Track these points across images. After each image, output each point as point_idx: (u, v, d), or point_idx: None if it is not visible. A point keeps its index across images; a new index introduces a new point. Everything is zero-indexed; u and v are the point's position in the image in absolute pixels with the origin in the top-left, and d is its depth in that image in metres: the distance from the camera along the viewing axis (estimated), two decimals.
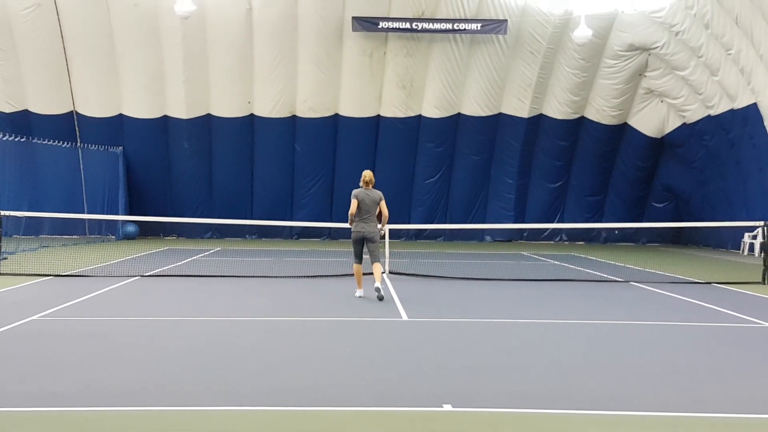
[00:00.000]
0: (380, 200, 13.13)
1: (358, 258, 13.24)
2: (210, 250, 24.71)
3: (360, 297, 13.06)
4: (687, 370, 8.16)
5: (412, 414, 6.40)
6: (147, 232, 30.06)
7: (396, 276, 16.71)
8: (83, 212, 27.65)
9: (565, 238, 31.67)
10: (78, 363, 7.99)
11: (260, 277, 16.40)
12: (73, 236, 27.76)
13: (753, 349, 9.42)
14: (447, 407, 6.52)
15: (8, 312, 11.01)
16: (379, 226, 13.23)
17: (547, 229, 31.04)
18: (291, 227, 30.53)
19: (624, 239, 31.45)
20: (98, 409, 6.37)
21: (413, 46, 28.84)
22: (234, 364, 8.07)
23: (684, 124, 28.97)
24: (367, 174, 13.21)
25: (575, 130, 30.40)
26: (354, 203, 12.96)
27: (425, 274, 17.18)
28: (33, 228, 25.85)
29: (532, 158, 30.87)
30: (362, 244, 13.09)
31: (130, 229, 29.07)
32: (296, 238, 30.83)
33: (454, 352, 8.89)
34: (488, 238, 31.35)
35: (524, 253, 25.33)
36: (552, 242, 31.22)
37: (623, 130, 30.37)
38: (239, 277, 16.34)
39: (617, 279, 17.10)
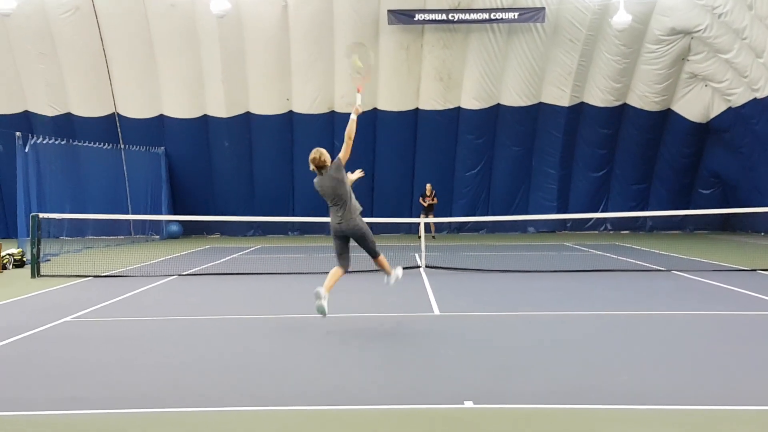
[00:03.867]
0: (336, 172, 9.56)
1: (337, 258, 9.96)
2: (250, 248, 24.79)
3: (321, 308, 9.39)
4: (724, 362, 7.88)
5: (431, 412, 6.26)
6: (191, 231, 30.37)
7: (432, 270, 16.54)
8: (127, 213, 27.95)
9: (609, 227, 31.17)
10: (102, 365, 7.99)
11: (296, 273, 16.39)
12: (119, 237, 28.03)
13: None
14: (468, 404, 6.37)
15: (43, 314, 11.12)
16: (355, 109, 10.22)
17: (591, 219, 30.60)
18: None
19: (671, 227, 30.84)
20: (118, 411, 6.33)
21: (450, 38, 28.60)
22: (258, 363, 8.02)
23: (729, 108, 28.28)
24: (311, 155, 9.68)
25: (618, 118, 29.86)
26: None
27: (461, 267, 17.01)
28: (77, 230, 26.12)
29: (574, 147, 30.42)
30: (342, 241, 9.92)
31: (174, 228, 29.37)
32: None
33: (482, 347, 8.72)
34: (531, 229, 31.00)
35: (567, 243, 24.96)
36: (596, 232, 30.76)
37: (667, 116, 29.76)
38: (274, 274, 16.37)
39: (659, 268, 16.72)
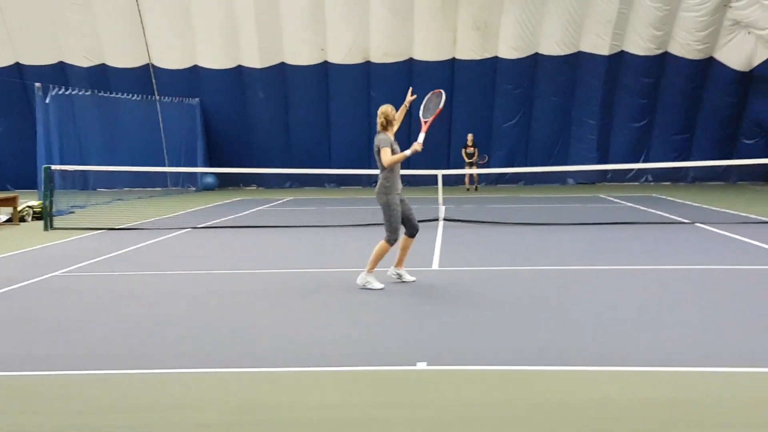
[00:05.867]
0: (380, 141, 9.36)
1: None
2: (282, 200, 24.71)
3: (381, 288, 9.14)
4: (721, 320, 7.49)
5: (382, 373, 6.05)
6: (227, 182, 30.32)
7: (450, 223, 16.24)
8: (164, 164, 27.95)
9: (650, 178, 30.39)
10: (67, 323, 7.92)
11: (315, 227, 16.06)
12: (155, 189, 27.95)
13: None
14: (421, 365, 6.13)
15: (37, 268, 10.94)
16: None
17: (631, 170, 29.86)
18: (369, 175, 30.15)
19: (713, 178, 29.89)
20: (71, 373, 6.20)
21: None
22: (232, 321, 7.89)
23: None
24: (381, 110, 9.44)
25: (659, 67, 28.97)
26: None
27: (480, 220, 16.70)
28: (109, 181, 26.17)
29: (614, 97, 29.64)
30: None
31: (209, 180, 29.44)
32: (374, 186, 30.49)
33: (462, 304, 8.49)
34: (570, 180, 30.41)
35: (600, 195, 24.39)
36: (637, 183, 30.04)
37: (709, 64, 28.73)
38: (292, 227, 16.08)
39: (683, 221, 16.20)
